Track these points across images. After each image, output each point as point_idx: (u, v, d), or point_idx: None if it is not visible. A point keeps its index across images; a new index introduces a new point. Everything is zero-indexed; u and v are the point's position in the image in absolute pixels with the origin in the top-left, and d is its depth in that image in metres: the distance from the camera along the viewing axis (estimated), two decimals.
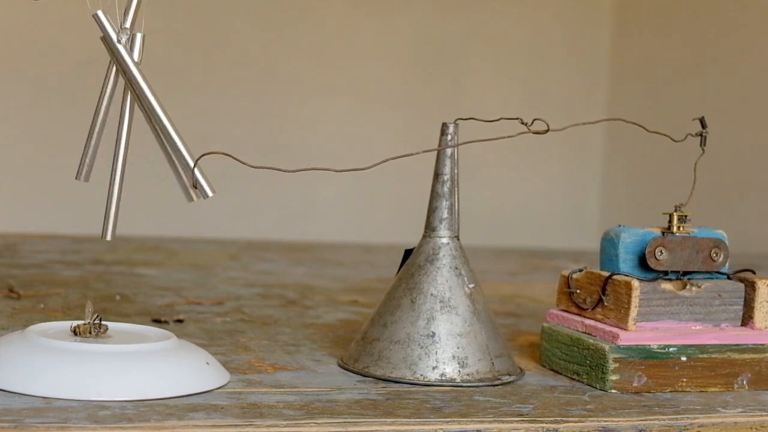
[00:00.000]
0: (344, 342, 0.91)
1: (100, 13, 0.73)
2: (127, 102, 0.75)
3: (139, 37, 0.75)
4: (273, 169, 0.72)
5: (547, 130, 0.76)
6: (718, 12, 2.57)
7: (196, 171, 0.73)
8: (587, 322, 0.82)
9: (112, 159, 0.75)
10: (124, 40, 0.74)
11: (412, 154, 0.76)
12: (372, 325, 0.81)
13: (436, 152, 0.81)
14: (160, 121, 0.74)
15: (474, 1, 2.84)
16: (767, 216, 2.35)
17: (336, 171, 0.75)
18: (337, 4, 2.73)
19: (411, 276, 0.81)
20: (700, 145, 0.81)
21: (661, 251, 0.80)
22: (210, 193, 0.73)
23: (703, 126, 0.82)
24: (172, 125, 0.74)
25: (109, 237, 0.74)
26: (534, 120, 0.76)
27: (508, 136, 0.76)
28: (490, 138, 0.76)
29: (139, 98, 0.74)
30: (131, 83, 0.74)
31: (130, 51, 0.74)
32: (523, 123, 0.76)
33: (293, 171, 0.74)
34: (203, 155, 0.73)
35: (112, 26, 0.74)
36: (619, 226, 0.83)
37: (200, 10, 2.61)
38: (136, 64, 0.74)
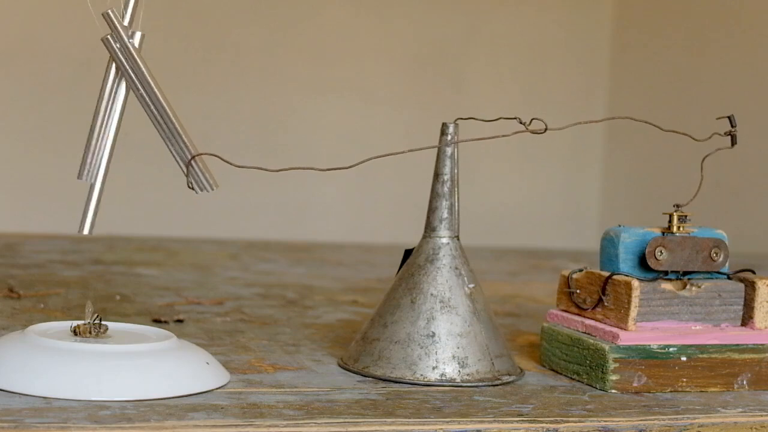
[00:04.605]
0: (344, 342, 0.91)
1: (111, 12, 0.73)
2: (119, 99, 0.75)
3: (138, 35, 0.75)
4: (257, 168, 0.72)
5: (545, 130, 0.76)
6: (718, 12, 2.57)
7: (196, 168, 0.73)
8: (587, 322, 0.82)
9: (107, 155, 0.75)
10: (135, 39, 0.74)
11: (398, 153, 0.77)
12: (372, 325, 0.81)
13: (436, 152, 0.81)
14: (170, 120, 0.74)
15: (474, 1, 2.84)
16: (767, 216, 2.35)
17: (320, 170, 0.75)
18: (337, 4, 2.73)
19: (411, 276, 0.81)
20: (732, 144, 0.81)
21: (661, 251, 0.80)
22: (211, 189, 0.74)
23: (732, 125, 0.81)
24: (180, 124, 0.74)
25: (86, 231, 0.74)
26: (532, 119, 0.76)
27: (503, 135, 0.77)
28: (486, 137, 0.76)
29: (149, 97, 0.74)
30: (140, 82, 0.74)
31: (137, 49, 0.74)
32: (521, 122, 0.76)
33: (277, 170, 0.74)
34: (194, 157, 0.73)
35: (121, 25, 0.74)
36: (619, 226, 0.83)
37: (200, 10, 2.61)
38: (145, 63, 0.74)
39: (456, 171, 0.82)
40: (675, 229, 0.82)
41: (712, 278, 0.83)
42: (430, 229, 0.82)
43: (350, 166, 0.74)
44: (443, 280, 0.80)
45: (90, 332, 0.73)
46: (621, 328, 0.79)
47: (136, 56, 0.74)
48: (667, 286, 0.80)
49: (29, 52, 2.47)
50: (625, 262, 0.82)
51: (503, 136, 0.76)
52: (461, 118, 0.81)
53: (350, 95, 2.74)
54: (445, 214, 0.81)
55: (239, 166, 0.72)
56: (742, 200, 2.41)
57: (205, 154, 0.73)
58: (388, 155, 0.76)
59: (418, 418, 0.67)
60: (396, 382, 0.77)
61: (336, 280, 1.39)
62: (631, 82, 2.85)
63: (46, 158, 2.48)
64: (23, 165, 2.51)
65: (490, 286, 1.34)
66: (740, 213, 2.38)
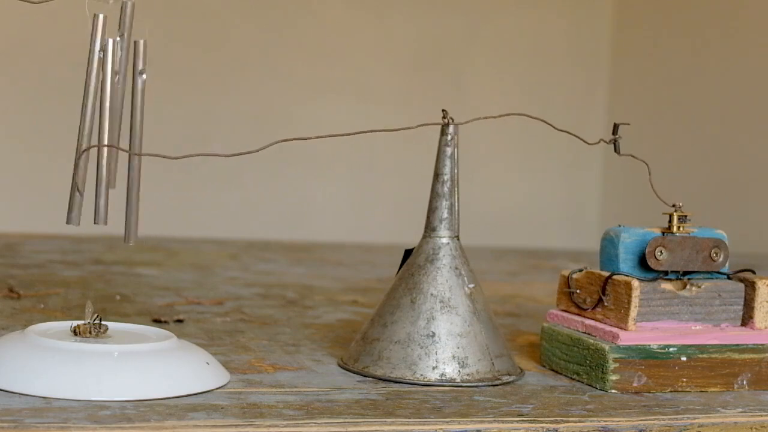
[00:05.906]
0: (344, 342, 0.91)
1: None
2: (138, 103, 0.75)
3: (141, 43, 0.75)
4: (157, 156, 0.72)
5: (453, 122, 0.79)
6: (719, 11, 2.57)
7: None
8: (587, 322, 0.82)
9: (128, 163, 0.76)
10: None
11: (336, 135, 0.78)
12: (372, 325, 0.81)
13: (436, 152, 0.82)
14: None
15: (474, 1, 2.84)
16: (767, 216, 2.35)
17: (224, 156, 0.75)
18: (337, 4, 2.73)
19: (411, 276, 0.81)
20: (615, 152, 0.83)
21: (661, 251, 0.80)
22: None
23: (614, 132, 0.83)
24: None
25: (131, 242, 0.75)
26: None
27: (416, 126, 0.79)
28: (407, 127, 0.78)
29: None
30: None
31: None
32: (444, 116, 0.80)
33: (178, 157, 0.74)
34: (88, 149, 0.73)
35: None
36: (619, 226, 0.83)
37: (199, 10, 2.61)
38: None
39: (456, 171, 0.82)
40: (675, 229, 0.82)
41: (712, 278, 0.83)
42: (430, 229, 0.82)
43: (257, 150, 0.75)
44: (443, 280, 0.80)
45: (90, 332, 0.73)
46: (621, 328, 0.79)
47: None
48: (667, 286, 0.80)
49: (29, 53, 2.47)
50: (625, 262, 0.82)
51: (415, 126, 0.79)
52: (458, 121, 0.81)
53: (350, 95, 2.73)
54: (445, 214, 0.81)
55: (139, 155, 0.72)
56: (742, 200, 2.41)
57: (103, 146, 0.73)
58: (298, 139, 0.77)
59: (418, 418, 0.67)
60: (396, 382, 0.77)
61: (336, 280, 1.39)
62: (631, 82, 2.85)
63: (46, 158, 2.48)
64: (23, 165, 2.51)
65: (490, 286, 1.34)
66: (740, 213, 2.38)
